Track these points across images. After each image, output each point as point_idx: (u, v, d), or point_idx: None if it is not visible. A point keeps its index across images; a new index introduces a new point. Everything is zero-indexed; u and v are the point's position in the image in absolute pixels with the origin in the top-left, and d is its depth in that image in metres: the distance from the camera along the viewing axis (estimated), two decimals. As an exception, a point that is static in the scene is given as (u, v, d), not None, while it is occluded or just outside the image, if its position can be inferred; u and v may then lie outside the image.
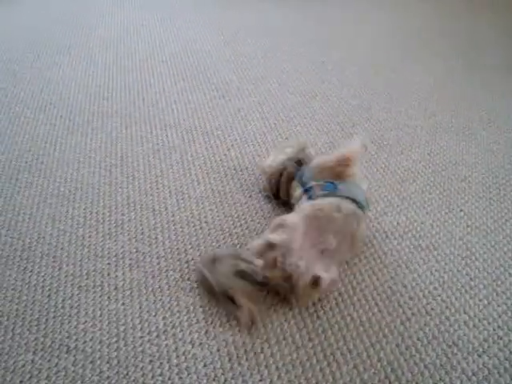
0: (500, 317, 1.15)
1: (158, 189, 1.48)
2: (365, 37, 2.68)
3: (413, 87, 2.13)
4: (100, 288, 1.19)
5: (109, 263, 1.25)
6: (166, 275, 1.22)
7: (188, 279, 1.20)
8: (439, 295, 1.19)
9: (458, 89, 2.14)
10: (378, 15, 3.04)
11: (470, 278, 1.23)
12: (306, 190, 1.24)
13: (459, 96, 2.08)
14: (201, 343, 1.07)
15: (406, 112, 1.93)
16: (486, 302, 1.18)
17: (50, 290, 1.18)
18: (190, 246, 1.29)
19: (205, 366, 1.03)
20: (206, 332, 1.09)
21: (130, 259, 1.26)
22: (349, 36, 2.68)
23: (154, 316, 1.12)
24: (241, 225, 1.35)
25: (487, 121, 1.91)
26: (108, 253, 1.28)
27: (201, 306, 1.14)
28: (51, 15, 2.85)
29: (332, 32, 2.72)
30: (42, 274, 1.22)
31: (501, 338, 1.10)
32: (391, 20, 2.97)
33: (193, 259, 1.26)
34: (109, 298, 1.16)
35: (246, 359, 1.04)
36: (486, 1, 3.39)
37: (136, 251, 1.28)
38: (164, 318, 1.12)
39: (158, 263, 1.25)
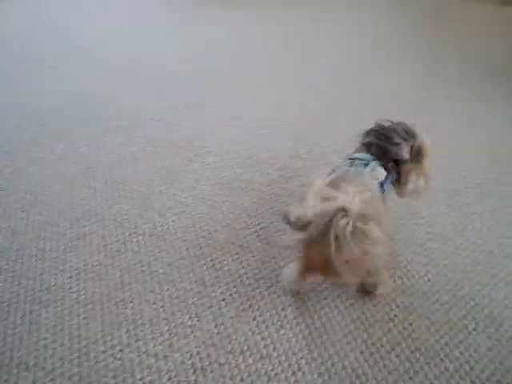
0: (461, 321, 1.17)
1: (119, 201, 1.46)
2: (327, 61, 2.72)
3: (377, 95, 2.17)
4: (61, 302, 1.16)
5: (70, 277, 1.23)
6: (130, 287, 1.20)
7: (151, 291, 1.19)
8: (402, 302, 1.20)
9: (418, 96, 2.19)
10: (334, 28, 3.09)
11: (432, 284, 1.26)
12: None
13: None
14: (165, 356, 1.06)
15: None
16: (447, 306, 1.20)
17: (8, 305, 1.15)
18: (153, 258, 1.28)
19: (169, 379, 1.02)
20: (170, 344, 1.08)
21: (93, 272, 1.24)
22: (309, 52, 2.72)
23: (117, 329, 1.11)
24: (204, 236, 1.35)
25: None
26: (70, 266, 1.26)
27: (165, 318, 1.13)
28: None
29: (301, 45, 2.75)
30: (0, 290, 1.19)
31: (461, 342, 1.12)
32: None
33: (156, 271, 1.24)
34: (70, 312, 1.14)
35: (211, 371, 1.03)
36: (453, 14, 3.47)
37: (98, 264, 1.26)
38: (127, 331, 1.10)
39: (121, 276, 1.23)
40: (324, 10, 3.33)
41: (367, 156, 1.22)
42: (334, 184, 1.00)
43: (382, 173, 1.19)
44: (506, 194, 1.59)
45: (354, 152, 1.27)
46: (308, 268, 1.04)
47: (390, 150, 1.21)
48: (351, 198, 0.93)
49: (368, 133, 1.27)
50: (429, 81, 2.36)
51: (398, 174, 1.24)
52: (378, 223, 0.94)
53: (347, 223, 0.90)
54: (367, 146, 1.25)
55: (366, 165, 1.19)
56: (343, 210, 0.91)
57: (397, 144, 1.21)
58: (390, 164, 1.22)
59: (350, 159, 1.22)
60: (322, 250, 0.93)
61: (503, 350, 1.11)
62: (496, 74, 2.47)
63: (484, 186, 1.63)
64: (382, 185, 1.18)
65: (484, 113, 2.09)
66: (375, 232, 0.92)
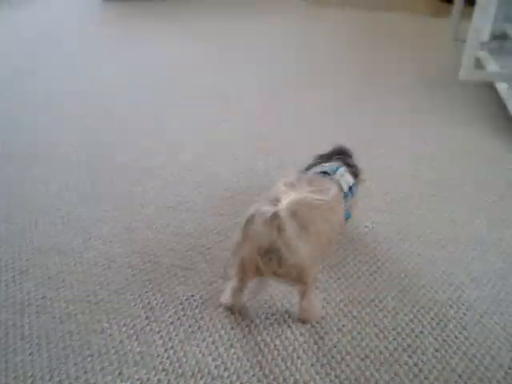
0: (407, 325, 1.19)
1: (63, 230, 1.44)
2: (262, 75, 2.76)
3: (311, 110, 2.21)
4: (5, 340, 1.13)
5: (14, 312, 1.20)
6: (76, 319, 1.18)
7: (98, 321, 1.17)
8: (350, 311, 1.22)
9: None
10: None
11: (378, 292, 1.28)
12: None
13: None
14: (115, 386, 1.04)
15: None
16: (393, 312, 1.22)
17: None
18: (99, 287, 1.26)
19: (120, 409, 1.00)
20: (120, 373, 1.06)
21: (37, 306, 1.21)
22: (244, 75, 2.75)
23: (65, 363, 1.08)
24: (149, 260, 1.34)
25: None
26: (13, 302, 1.23)
27: (113, 347, 1.11)
28: None
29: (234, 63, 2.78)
30: None
31: (409, 346, 1.14)
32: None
33: (103, 299, 1.23)
34: (14, 349, 1.11)
35: (162, 397, 1.02)
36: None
37: (43, 297, 1.24)
38: (75, 364, 1.08)
39: (67, 307, 1.21)
40: (261, 22, 3.40)
41: (336, 163, 1.28)
42: (293, 185, 1.03)
43: (349, 179, 1.28)
44: (448, 196, 1.64)
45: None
46: (244, 269, 1.06)
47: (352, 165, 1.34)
48: (289, 193, 0.97)
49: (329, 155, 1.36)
50: (365, 94, 2.43)
51: None
52: (306, 233, 0.98)
53: (269, 211, 0.93)
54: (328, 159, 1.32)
55: (335, 171, 1.24)
56: (275, 200, 0.95)
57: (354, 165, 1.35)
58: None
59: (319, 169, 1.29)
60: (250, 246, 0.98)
61: (449, 349, 1.13)
62: (431, 85, 2.56)
63: (427, 192, 1.67)
64: (350, 188, 1.23)
65: (420, 124, 2.16)
66: (291, 231, 0.94)
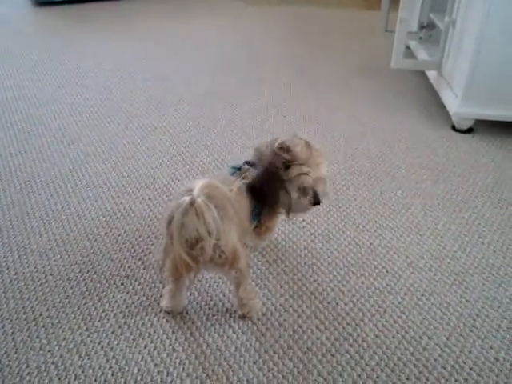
0: (348, 314, 1.21)
1: (-4, 247, 1.40)
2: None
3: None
4: None
5: None
6: (13, 338, 1.15)
7: (37, 337, 1.14)
8: (290, 306, 1.23)
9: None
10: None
11: (318, 284, 1.29)
12: None
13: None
14: (55, 402, 1.02)
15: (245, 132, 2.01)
16: (334, 303, 1.24)
17: None
18: (36, 302, 1.23)
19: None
20: (60, 389, 1.04)
21: (-28, 327, 1.18)
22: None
23: (1, 384, 1.05)
24: (88, 271, 1.32)
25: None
26: None
27: (53, 363, 1.09)
28: None
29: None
30: None
31: (350, 335, 1.16)
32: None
33: (41, 314, 1.20)
34: None
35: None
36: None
37: (-23, 318, 1.20)
38: (13, 384, 1.05)
39: (3, 326, 1.17)
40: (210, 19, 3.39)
41: (241, 163, 1.26)
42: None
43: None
44: (383, 184, 1.68)
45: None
46: (176, 269, 1.04)
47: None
48: (198, 181, 0.98)
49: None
50: (303, 86, 2.47)
51: None
52: (225, 213, 0.98)
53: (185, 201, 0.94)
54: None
55: (239, 169, 1.23)
56: (188, 191, 0.96)
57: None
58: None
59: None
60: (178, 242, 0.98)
61: (389, 334, 1.16)
62: (366, 75, 2.62)
63: (360, 183, 1.71)
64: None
65: (356, 112, 2.21)
66: (212, 213, 0.95)
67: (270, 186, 1.19)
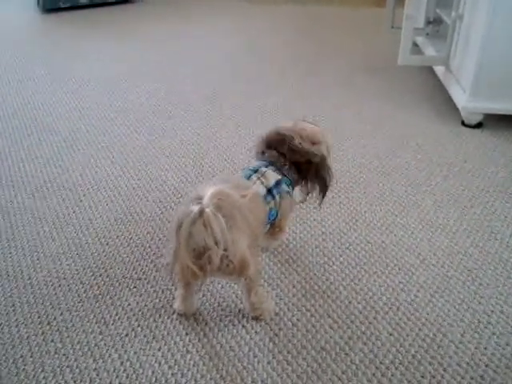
0: (361, 313, 1.21)
1: (10, 253, 1.41)
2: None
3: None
4: (-47, 370, 1.10)
5: (-38, 342, 1.16)
6: (28, 342, 1.15)
7: (52, 341, 1.15)
8: (303, 305, 1.23)
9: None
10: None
11: (330, 283, 1.29)
12: None
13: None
14: (70, 406, 1.02)
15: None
16: (346, 302, 1.24)
17: None
18: (50, 307, 1.24)
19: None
20: (75, 393, 1.05)
21: (-13, 333, 1.18)
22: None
23: (18, 388, 1.06)
24: (100, 274, 1.32)
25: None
26: (-39, 330, 1.19)
27: (68, 366, 1.09)
28: None
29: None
30: None
31: (364, 333, 1.15)
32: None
33: (55, 318, 1.20)
34: (-36, 380, 1.08)
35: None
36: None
37: (-8, 323, 1.21)
38: (29, 388, 1.06)
39: (18, 331, 1.18)
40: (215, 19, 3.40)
41: (260, 163, 1.25)
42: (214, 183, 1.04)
43: (270, 178, 1.22)
44: (392, 185, 1.68)
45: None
46: (184, 275, 1.05)
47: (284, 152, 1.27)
48: (208, 188, 0.97)
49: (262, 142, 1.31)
50: (311, 84, 2.46)
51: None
52: (234, 223, 0.98)
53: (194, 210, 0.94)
54: (261, 154, 1.29)
55: (256, 171, 1.22)
56: (198, 199, 0.96)
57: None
58: (285, 168, 1.27)
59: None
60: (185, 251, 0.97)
61: (402, 332, 1.15)
62: (373, 72, 2.61)
63: (370, 181, 1.70)
64: (270, 190, 1.20)
65: (364, 109, 2.20)
66: (220, 223, 0.94)
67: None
